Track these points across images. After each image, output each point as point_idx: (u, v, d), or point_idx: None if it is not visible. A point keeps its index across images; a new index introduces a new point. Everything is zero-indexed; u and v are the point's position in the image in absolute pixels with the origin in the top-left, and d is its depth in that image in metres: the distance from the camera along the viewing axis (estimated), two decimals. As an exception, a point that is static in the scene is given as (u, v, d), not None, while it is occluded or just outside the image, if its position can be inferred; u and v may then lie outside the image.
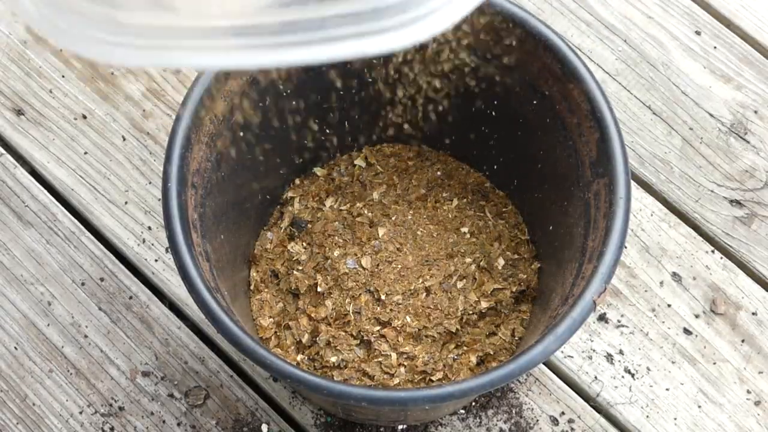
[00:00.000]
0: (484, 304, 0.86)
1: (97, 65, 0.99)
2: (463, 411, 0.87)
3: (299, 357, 0.85)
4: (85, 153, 0.97)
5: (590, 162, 0.72)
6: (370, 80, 0.84)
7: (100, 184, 0.95)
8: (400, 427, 0.86)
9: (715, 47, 1.02)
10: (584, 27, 1.02)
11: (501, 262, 0.88)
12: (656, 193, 0.96)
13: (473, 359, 0.84)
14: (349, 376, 0.83)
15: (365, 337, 0.84)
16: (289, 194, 0.92)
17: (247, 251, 0.87)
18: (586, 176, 0.73)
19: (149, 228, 0.94)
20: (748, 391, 0.89)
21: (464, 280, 0.87)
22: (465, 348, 0.85)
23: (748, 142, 0.98)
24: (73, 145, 0.97)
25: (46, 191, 0.95)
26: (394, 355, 0.83)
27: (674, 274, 0.92)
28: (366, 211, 0.90)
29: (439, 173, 0.93)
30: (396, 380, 0.83)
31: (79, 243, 0.93)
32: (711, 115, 0.99)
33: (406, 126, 0.91)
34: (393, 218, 0.90)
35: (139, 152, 0.97)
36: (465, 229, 0.90)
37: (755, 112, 0.99)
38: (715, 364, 0.89)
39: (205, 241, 0.71)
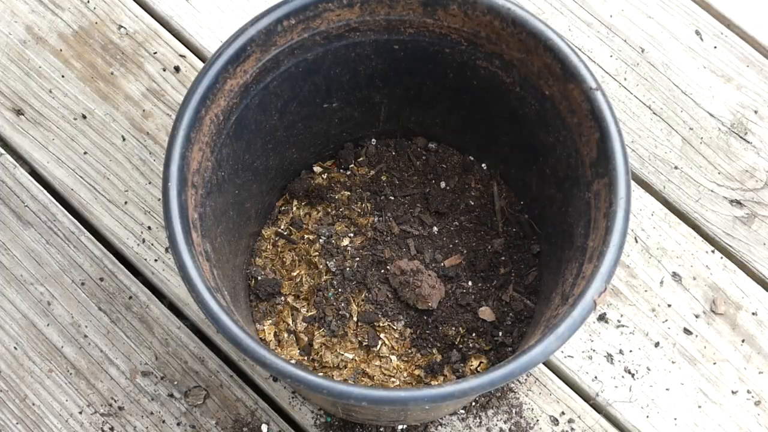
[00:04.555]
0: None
1: (97, 65, 0.99)
2: (463, 411, 0.87)
3: (299, 357, 0.85)
4: (85, 153, 0.97)
5: (590, 162, 0.72)
6: (370, 80, 0.84)
7: (100, 184, 0.95)
8: (400, 427, 0.86)
9: (715, 47, 1.02)
10: (584, 27, 1.02)
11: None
12: (656, 193, 0.96)
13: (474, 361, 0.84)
14: (349, 376, 0.83)
15: (365, 339, 0.84)
16: (289, 194, 0.91)
17: (247, 251, 0.87)
18: (586, 176, 0.73)
19: (149, 228, 0.94)
20: (748, 391, 0.89)
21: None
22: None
23: (748, 142, 0.98)
24: (73, 145, 0.97)
25: (45, 191, 0.95)
26: (394, 357, 0.83)
27: (674, 274, 0.92)
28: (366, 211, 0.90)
29: (439, 173, 0.93)
30: (396, 381, 0.83)
31: (79, 243, 0.93)
32: (711, 115, 0.99)
33: (407, 124, 0.91)
34: (393, 218, 0.90)
35: (139, 152, 0.97)
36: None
37: (755, 112, 0.99)
38: (715, 364, 0.89)
39: (205, 240, 0.71)
